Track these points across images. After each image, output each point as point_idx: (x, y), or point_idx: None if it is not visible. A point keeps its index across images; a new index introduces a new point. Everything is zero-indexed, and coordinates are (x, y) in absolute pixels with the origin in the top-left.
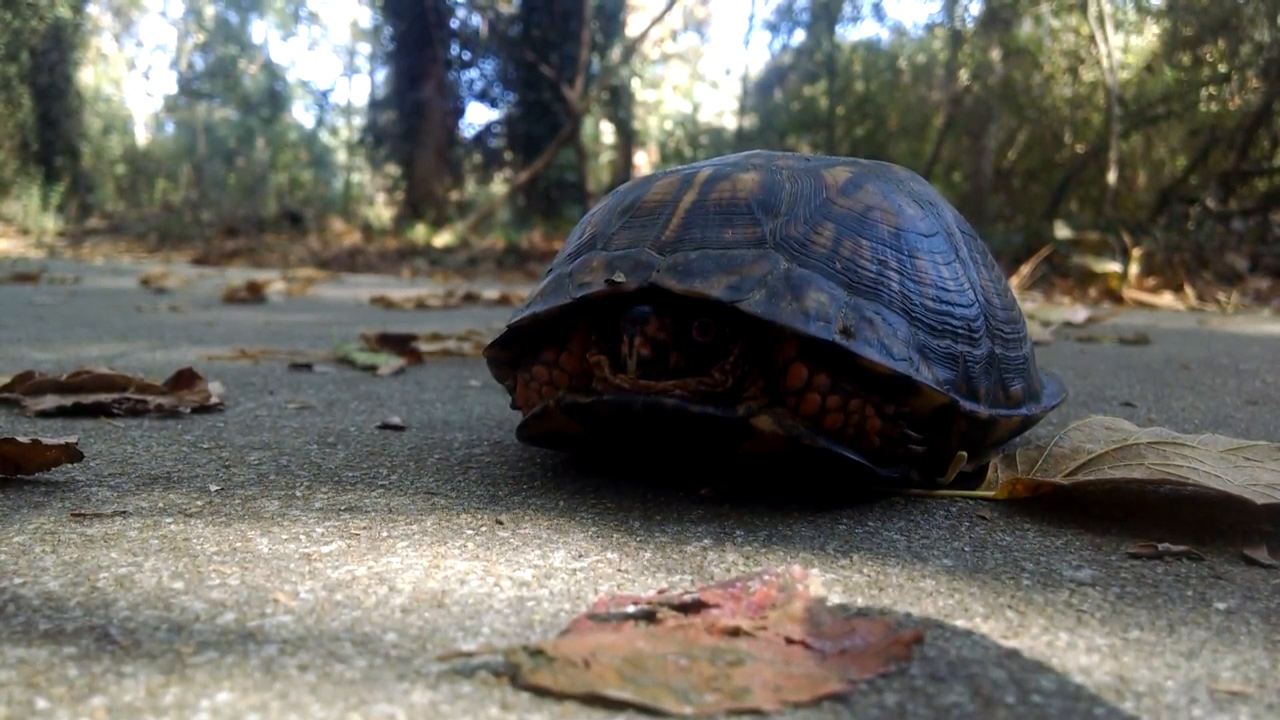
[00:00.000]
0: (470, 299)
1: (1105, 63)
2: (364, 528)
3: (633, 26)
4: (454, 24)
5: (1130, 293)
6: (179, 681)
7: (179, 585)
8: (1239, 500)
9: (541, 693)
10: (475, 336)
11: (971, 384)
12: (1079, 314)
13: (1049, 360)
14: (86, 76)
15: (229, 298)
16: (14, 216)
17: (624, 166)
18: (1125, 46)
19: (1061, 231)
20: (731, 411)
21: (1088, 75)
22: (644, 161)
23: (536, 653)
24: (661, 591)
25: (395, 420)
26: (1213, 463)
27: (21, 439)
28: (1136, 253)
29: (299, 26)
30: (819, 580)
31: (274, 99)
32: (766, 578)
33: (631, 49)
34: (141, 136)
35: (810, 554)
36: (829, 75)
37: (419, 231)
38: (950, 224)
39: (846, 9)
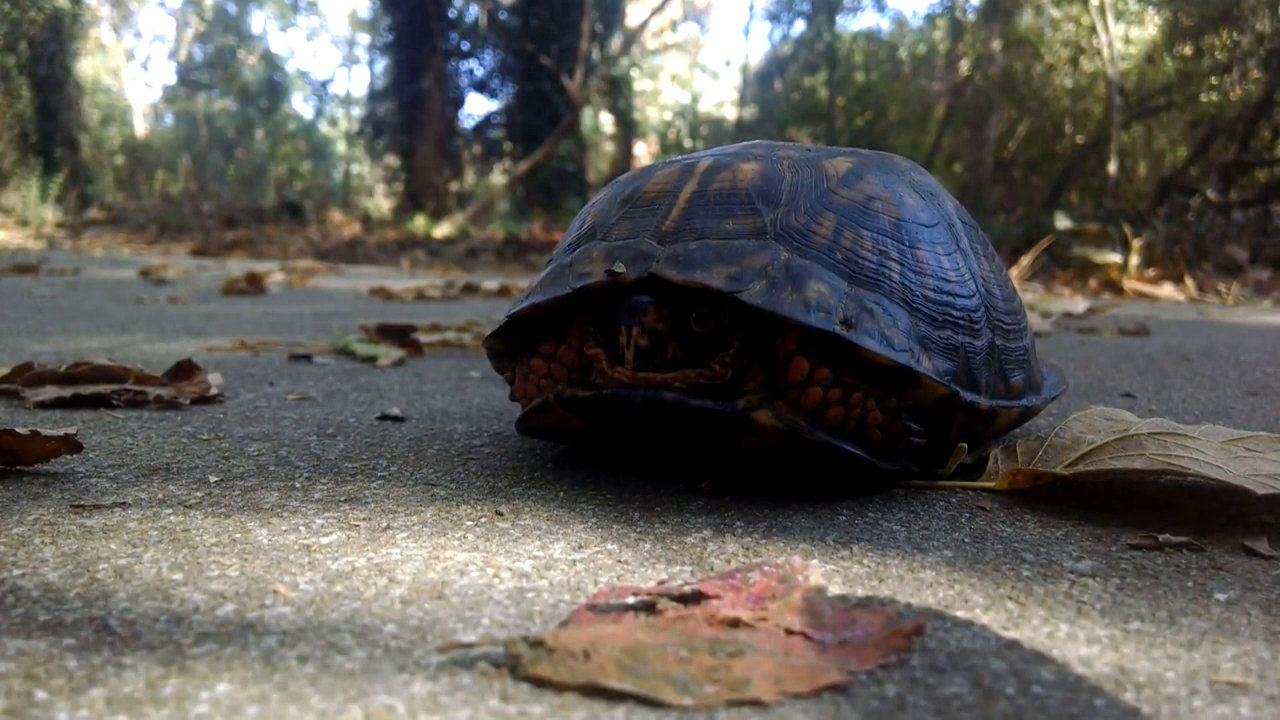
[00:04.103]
0: (470, 290)
1: (1106, 53)
2: (363, 519)
3: (632, 17)
4: (452, 14)
5: (1130, 284)
6: (178, 673)
7: (178, 576)
8: (1239, 491)
9: (541, 684)
10: (475, 328)
11: (972, 375)
12: (1079, 305)
13: (1049, 351)
14: (85, 67)
15: (228, 289)
16: (13, 208)
17: (624, 157)
18: (1126, 37)
19: (1062, 222)
20: (732, 406)
21: (1088, 66)
22: (644, 152)
23: (536, 644)
24: (661, 583)
25: (395, 411)
26: (1213, 453)
27: (21, 430)
28: (1137, 244)
29: (298, 17)
30: (819, 571)
31: (273, 90)
32: (766, 569)
33: (631, 39)
34: (140, 128)
35: (810, 545)
36: (829, 66)
37: (418, 223)
38: (951, 215)
39: None
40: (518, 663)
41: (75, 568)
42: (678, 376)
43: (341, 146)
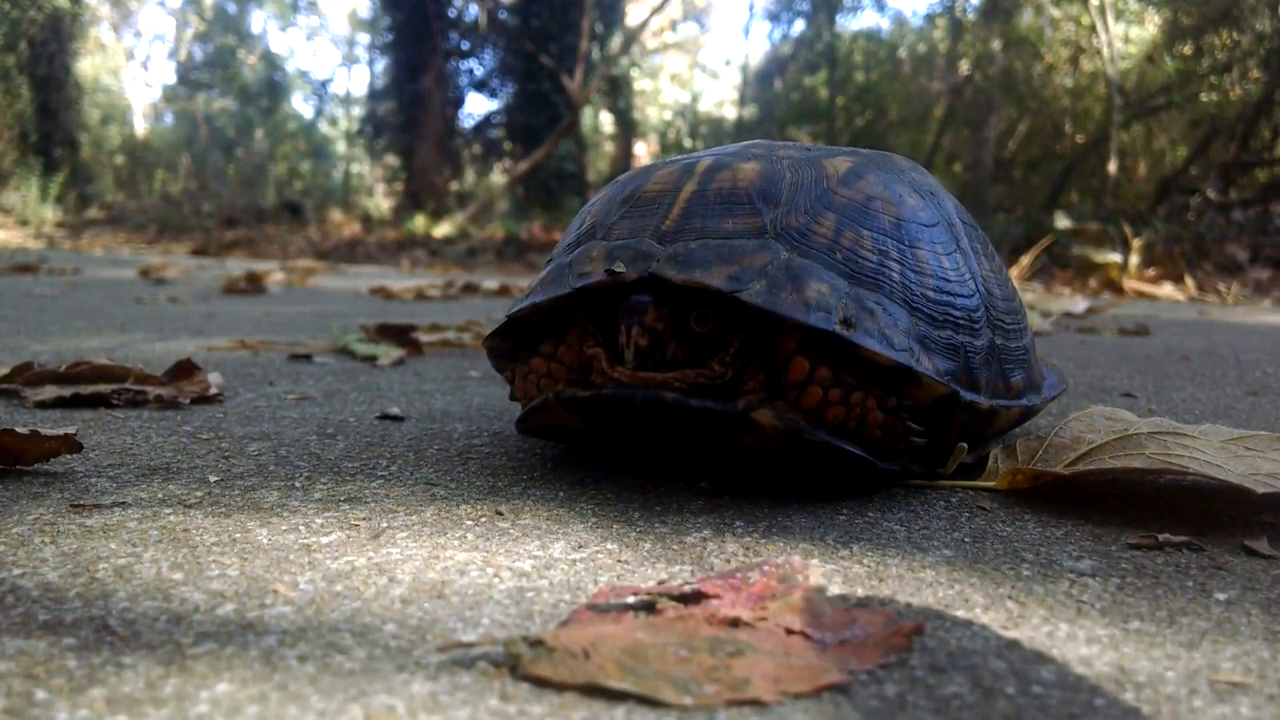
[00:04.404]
0: (470, 290)
1: (1106, 53)
2: (363, 518)
3: (632, 16)
4: (452, 14)
5: (1130, 283)
6: (178, 673)
7: (178, 576)
8: (1239, 490)
9: (541, 683)
10: (475, 327)
11: (972, 375)
12: (1079, 305)
13: (1049, 351)
14: (85, 67)
15: (228, 289)
16: (13, 207)
17: (624, 157)
18: (1126, 36)
19: (1062, 222)
20: (732, 406)
21: (1088, 65)
22: (644, 152)
23: (536, 644)
24: (661, 582)
25: (395, 411)
26: (1213, 453)
27: (20, 430)
28: (1137, 243)
29: (297, 16)
30: (819, 571)
31: (273, 89)
32: (766, 568)
33: (631, 39)
34: (140, 127)
35: (810, 545)
36: (829, 65)
37: (418, 222)
38: (951, 214)
39: None
40: (518, 662)
41: (75, 567)
42: (678, 376)
43: (341, 146)
